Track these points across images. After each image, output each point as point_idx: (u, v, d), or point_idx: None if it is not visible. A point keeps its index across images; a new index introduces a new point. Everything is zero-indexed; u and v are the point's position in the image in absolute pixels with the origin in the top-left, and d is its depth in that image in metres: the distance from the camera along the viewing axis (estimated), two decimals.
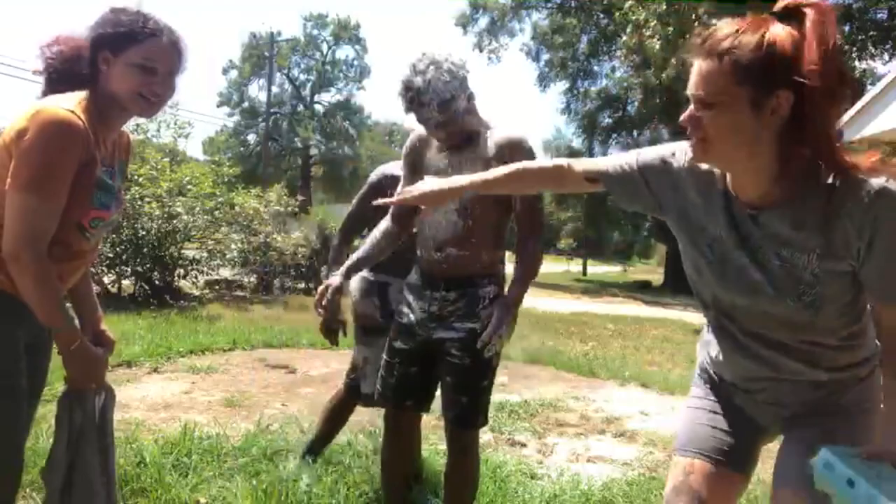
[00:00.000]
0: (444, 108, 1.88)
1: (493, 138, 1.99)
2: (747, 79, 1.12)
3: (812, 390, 1.40)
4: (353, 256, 2.24)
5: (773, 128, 1.15)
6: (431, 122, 1.92)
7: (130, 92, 1.47)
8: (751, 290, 1.31)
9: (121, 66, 1.46)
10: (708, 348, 1.55)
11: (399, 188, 2.26)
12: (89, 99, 1.49)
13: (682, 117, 1.22)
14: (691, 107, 1.19)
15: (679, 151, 1.37)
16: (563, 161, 1.56)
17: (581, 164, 1.53)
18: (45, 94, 1.54)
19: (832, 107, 1.13)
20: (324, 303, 2.12)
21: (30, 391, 1.54)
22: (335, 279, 2.17)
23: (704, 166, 1.30)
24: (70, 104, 1.42)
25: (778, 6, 1.16)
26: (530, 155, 1.99)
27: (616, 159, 1.48)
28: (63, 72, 1.54)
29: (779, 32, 1.11)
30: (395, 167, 2.50)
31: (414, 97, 1.88)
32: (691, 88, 1.18)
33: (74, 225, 1.47)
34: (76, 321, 1.50)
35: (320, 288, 2.16)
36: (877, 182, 1.14)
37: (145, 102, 1.49)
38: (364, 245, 2.27)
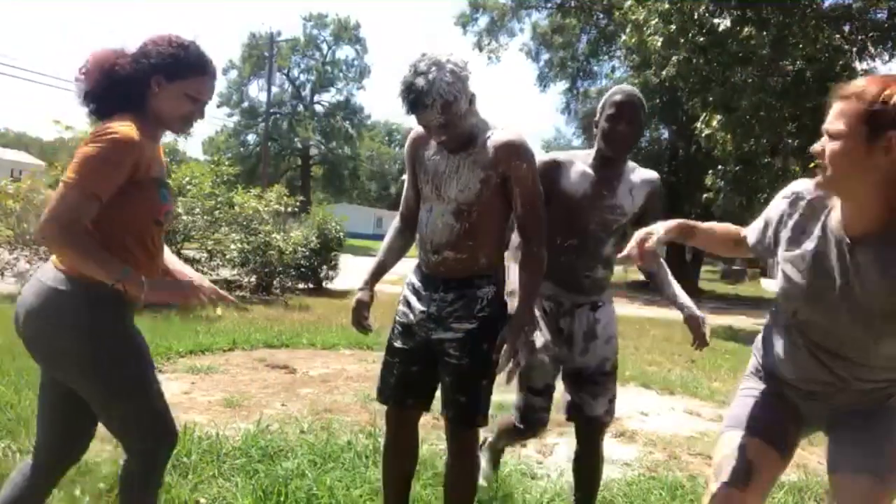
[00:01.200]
0: (446, 110, 1.83)
1: (493, 141, 1.97)
2: (866, 118, 1.33)
3: (865, 395, 1.58)
4: (374, 263, 2.26)
5: (883, 166, 1.33)
6: (433, 123, 1.89)
7: (177, 115, 1.75)
8: (832, 311, 1.49)
9: (172, 92, 1.71)
10: (768, 346, 1.71)
11: (404, 189, 2.26)
12: (141, 116, 1.71)
13: (814, 147, 1.45)
14: (824, 138, 1.41)
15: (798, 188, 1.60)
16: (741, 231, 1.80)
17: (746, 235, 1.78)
18: (91, 113, 1.77)
19: None
20: (362, 321, 2.20)
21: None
22: (364, 294, 2.20)
23: (822, 195, 1.51)
24: (129, 122, 1.65)
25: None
26: (530, 158, 1.99)
27: (756, 227, 1.73)
28: (99, 93, 1.73)
29: None
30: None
31: (416, 99, 1.82)
32: (826, 124, 1.41)
33: (153, 222, 1.74)
34: (131, 270, 1.62)
35: (354, 301, 2.21)
36: None
37: (184, 126, 1.80)
38: (381, 250, 2.29)
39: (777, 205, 1.63)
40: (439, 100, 1.80)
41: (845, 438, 1.57)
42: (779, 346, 1.65)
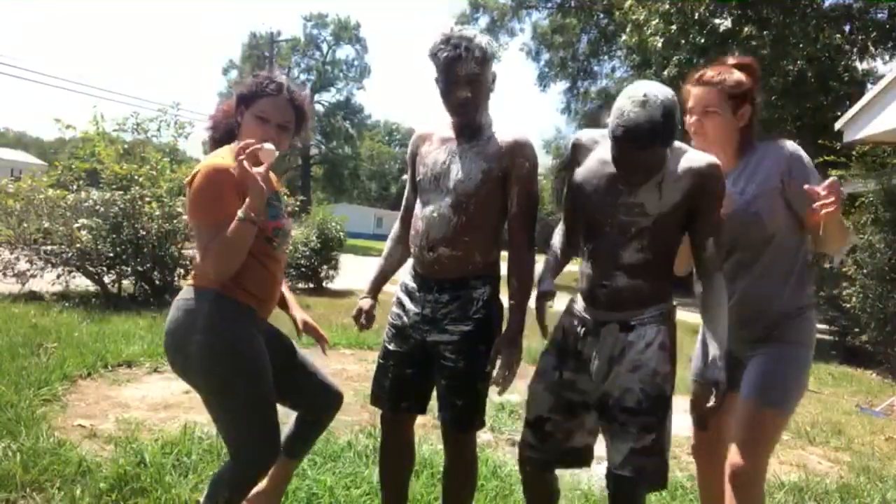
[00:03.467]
0: (483, 64, 1.90)
1: (501, 135, 1.98)
2: (729, 98, 2.01)
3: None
4: (375, 271, 2.26)
5: (738, 128, 2.04)
6: (466, 72, 1.89)
7: (252, 138, 1.85)
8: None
9: (248, 117, 1.92)
10: None
11: (406, 191, 2.25)
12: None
13: (689, 126, 2.05)
14: (695, 117, 2.05)
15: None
16: None
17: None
18: (210, 149, 2.02)
19: (756, 114, 2.08)
20: (361, 320, 2.18)
21: (284, 363, 2.01)
22: (366, 302, 2.19)
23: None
24: (221, 153, 1.90)
25: (738, 61, 2.08)
26: (534, 161, 2.00)
27: None
28: (220, 133, 2.03)
29: (742, 76, 2.02)
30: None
31: (459, 43, 1.88)
32: (697, 106, 2.04)
33: (263, 239, 1.87)
34: (242, 210, 1.76)
35: (355, 310, 2.20)
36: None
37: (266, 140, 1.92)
38: (382, 257, 2.28)
39: None
40: (478, 51, 1.89)
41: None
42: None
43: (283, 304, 2.18)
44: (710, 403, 1.73)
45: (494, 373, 1.94)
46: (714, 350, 1.73)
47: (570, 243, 2.04)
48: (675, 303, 1.90)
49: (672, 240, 1.84)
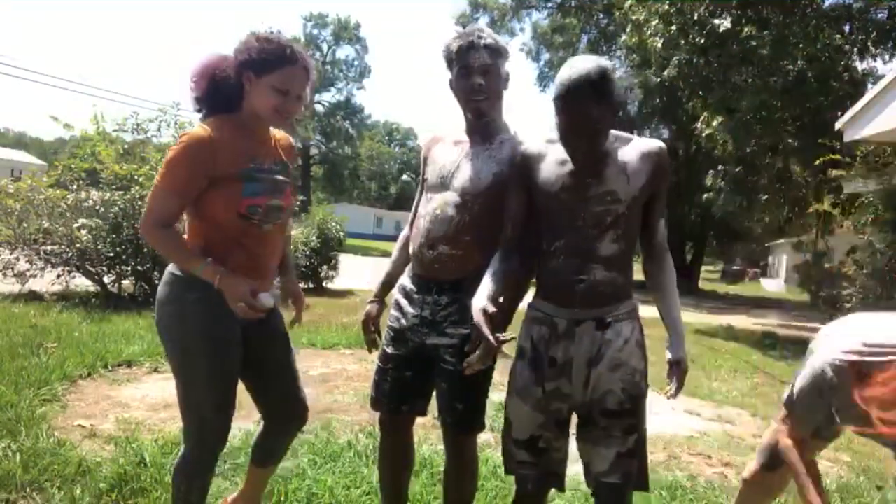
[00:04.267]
0: (494, 55, 1.96)
1: (514, 143, 1.98)
2: None
3: None
4: (382, 275, 2.26)
5: None
6: (479, 63, 1.94)
7: (268, 109, 1.80)
8: None
9: (261, 86, 1.79)
10: None
11: (416, 196, 2.23)
12: (236, 114, 1.84)
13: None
14: None
15: None
16: None
17: None
18: (203, 118, 1.88)
19: None
20: (373, 335, 2.22)
21: (261, 357, 2.00)
22: (374, 307, 2.21)
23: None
24: (210, 123, 1.79)
25: None
26: None
27: None
28: (205, 98, 1.87)
29: None
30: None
31: (472, 33, 1.95)
32: None
33: (235, 214, 1.80)
34: (208, 264, 1.76)
35: (363, 315, 2.22)
36: None
37: (279, 117, 1.84)
38: (389, 261, 2.28)
39: None
40: (490, 39, 1.96)
41: None
42: None
43: (284, 271, 2.18)
44: (671, 386, 1.80)
45: (474, 356, 1.77)
46: (677, 329, 1.83)
47: (524, 252, 1.92)
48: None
49: (637, 228, 1.83)
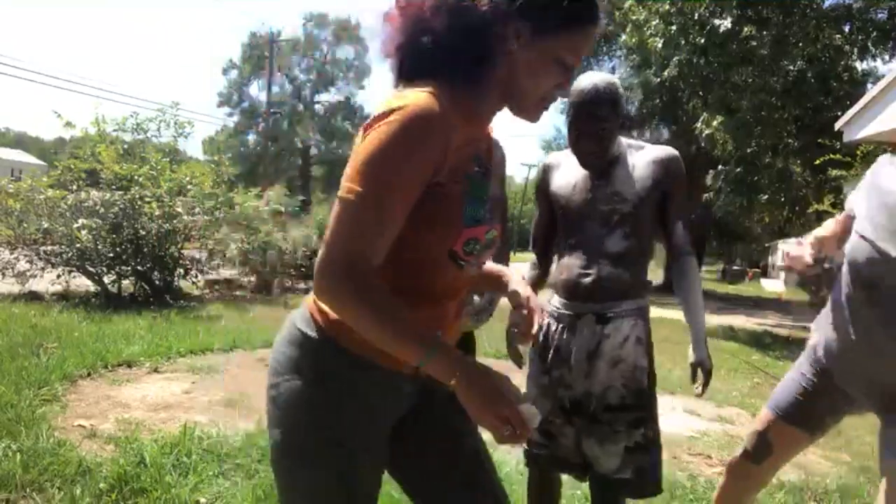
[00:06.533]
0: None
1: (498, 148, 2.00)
2: None
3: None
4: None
5: None
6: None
7: (539, 91, 1.09)
8: None
9: (541, 52, 1.06)
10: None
11: None
12: (453, 84, 1.05)
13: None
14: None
15: None
16: None
17: None
18: (405, 84, 1.09)
19: None
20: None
21: (433, 464, 1.23)
22: None
23: None
24: (428, 92, 1.01)
25: None
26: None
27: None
28: (414, 50, 1.08)
29: None
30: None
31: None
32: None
33: (446, 254, 1.08)
34: (443, 345, 0.98)
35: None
36: None
37: (537, 111, 1.12)
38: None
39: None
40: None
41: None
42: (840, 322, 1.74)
43: (496, 284, 1.33)
44: (698, 384, 1.89)
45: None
46: (696, 332, 1.89)
47: (545, 252, 2.15)
48: (675, 302, 1.97)
49: (649, 230, 1.94)
